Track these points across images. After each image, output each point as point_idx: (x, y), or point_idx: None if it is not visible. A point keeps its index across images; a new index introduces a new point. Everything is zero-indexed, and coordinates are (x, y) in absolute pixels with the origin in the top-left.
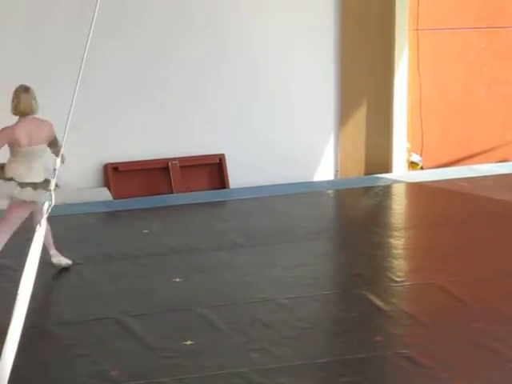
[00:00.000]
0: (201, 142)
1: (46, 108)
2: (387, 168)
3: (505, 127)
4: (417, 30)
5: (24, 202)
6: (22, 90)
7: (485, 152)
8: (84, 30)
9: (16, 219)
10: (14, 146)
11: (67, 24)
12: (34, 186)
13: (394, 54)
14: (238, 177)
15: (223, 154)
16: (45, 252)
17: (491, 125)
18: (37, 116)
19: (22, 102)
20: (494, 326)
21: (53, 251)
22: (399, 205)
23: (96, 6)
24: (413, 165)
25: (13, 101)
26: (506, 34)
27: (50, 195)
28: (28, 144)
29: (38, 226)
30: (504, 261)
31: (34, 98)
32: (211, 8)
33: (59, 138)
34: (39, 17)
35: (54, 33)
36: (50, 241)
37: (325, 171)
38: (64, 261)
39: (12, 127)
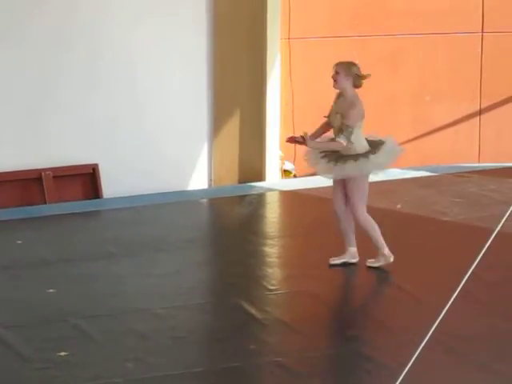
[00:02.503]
0: (74, 151)
1: None
2: (260, 176)
3: (375, 135)
4: (288, 38)
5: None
6: None
7: None
8: None
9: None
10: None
11: None
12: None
13: (265, 63)
14: (111, 186)
15: (96, 164)
16: None
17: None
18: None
19: None
20: (368, 333)
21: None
22: (273, 213)
23: None
24: (286, 173)
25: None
26: (376, 42)
27: None
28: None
29: None
30: None
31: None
32: (87, 20)
33: None
34: None
35: None
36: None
37: (199, 180)
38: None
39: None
